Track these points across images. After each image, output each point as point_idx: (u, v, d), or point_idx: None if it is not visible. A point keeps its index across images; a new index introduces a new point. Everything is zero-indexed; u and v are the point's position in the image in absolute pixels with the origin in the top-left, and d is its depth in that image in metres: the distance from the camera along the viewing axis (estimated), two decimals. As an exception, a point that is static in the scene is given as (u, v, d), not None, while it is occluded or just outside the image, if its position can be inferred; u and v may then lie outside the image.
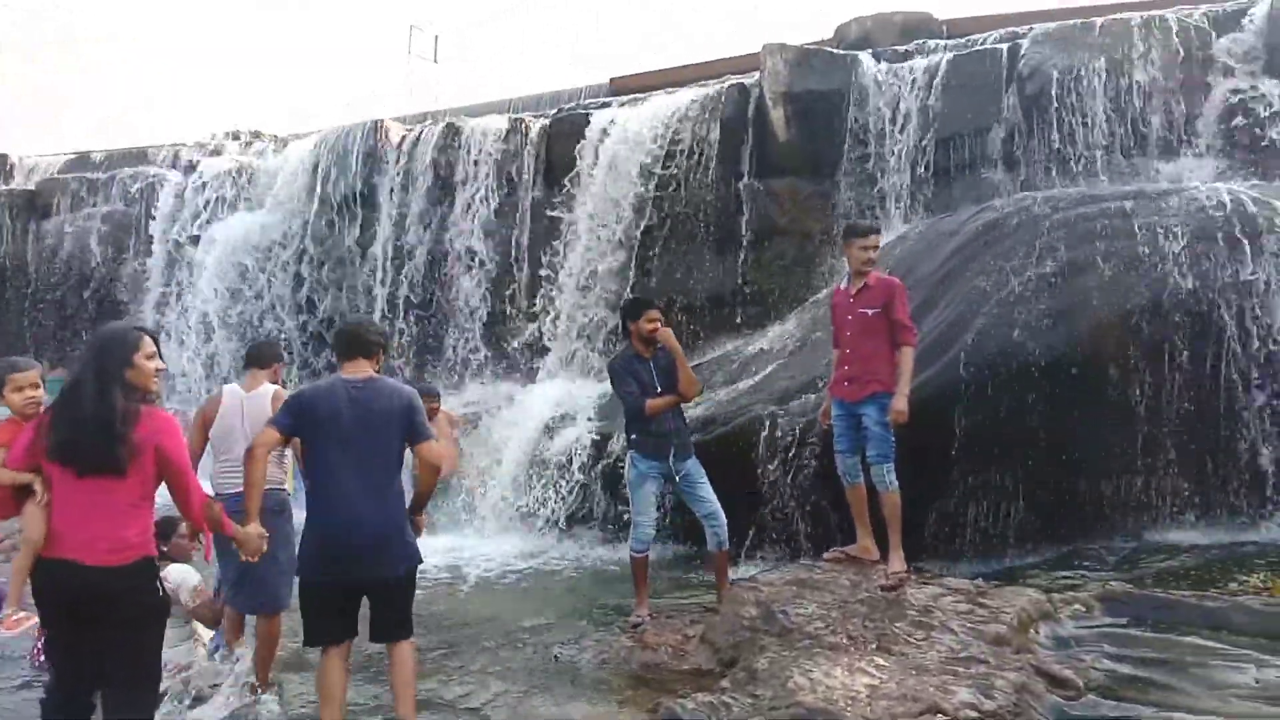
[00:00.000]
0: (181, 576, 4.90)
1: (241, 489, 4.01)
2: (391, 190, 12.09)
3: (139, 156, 15.82)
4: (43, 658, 5.08)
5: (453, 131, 11.94)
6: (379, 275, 11.92)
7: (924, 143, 9.48)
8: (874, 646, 4.37)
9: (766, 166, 10.08)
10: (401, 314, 11.71)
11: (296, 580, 4.06)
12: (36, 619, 3.30)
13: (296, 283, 12.55)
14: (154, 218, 13.55)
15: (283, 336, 12.11)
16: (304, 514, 3.98)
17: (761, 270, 9.88)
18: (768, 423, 7.02)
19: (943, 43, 10.58)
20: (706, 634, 4.98)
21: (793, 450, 6.81)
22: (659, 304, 5.93)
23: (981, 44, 9.93)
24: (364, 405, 3.91)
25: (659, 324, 5.48)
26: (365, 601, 3.97)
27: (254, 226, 12.99)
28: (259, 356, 5.23)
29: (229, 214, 13.18)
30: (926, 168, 9.47)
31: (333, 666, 3.90)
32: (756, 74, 10.38)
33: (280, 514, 4.71)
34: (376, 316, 11.80)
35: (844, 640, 4.46)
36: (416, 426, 3.98)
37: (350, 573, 3.86)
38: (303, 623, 3.99)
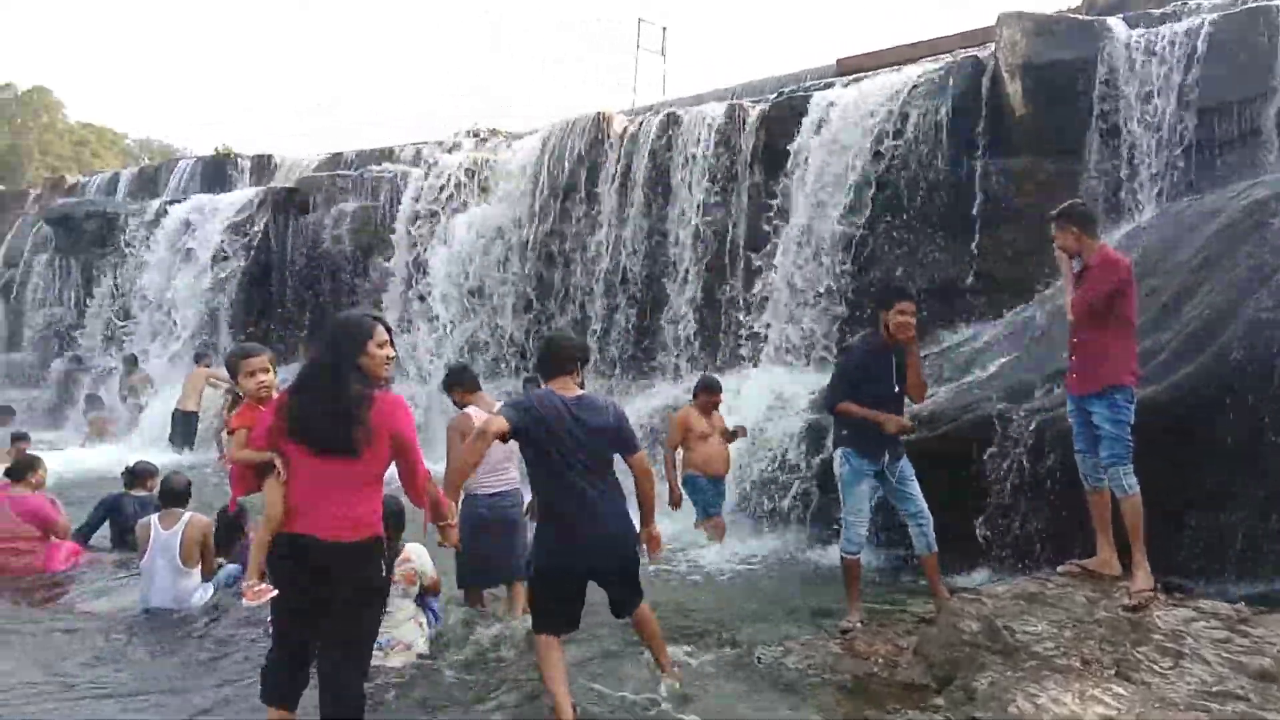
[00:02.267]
0: (421, 555, 5.11)
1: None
2: (612, 181, 12.27)
3: (385, 155, 16.87)
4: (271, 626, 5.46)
5: (672, 121, 11.95)
6: (599, 265, 12.12)
7: (1182, 115, 8.55)
8: (1112, 673, 3.94)
9: (1001, 145, 9.39)
10: (620, 303, 11.86)
11: (531, 575, 4.34)
12: (274, 592, 3.48)
13: (522, 272, 12.99)
14: (397, 212, 14.36)
15: (504, 330, 12.61)
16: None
17: (994, 256, 9.23)
18: (998, 421, 6.52)
19: (1204, 2, 9.51)
20: (921, 646, 4.67)
21: (1026, 451, 6.29)
22: (913, 295, 5.46)
23: (1250, 2, 8.82)
24: (582, 420, 4.13)
25: (909, 320, 5.15)
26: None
27: (485, 219, 13.54)
28: (471, 378, 5.94)
29: (463, 208, 13.79)
30: (1184, 143, 8.53)
31: (556, 650, 4.14)
32: (991, 46, 9.72)
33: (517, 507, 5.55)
34: (596, 306, 12.05)
35: (1077, 664, 4.04)
36: (626, 439, 4.25)
37: (587, 563, 4.15)
38: (533, 611, 4.28)
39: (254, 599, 3.51)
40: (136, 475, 7.66)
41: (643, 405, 10.37)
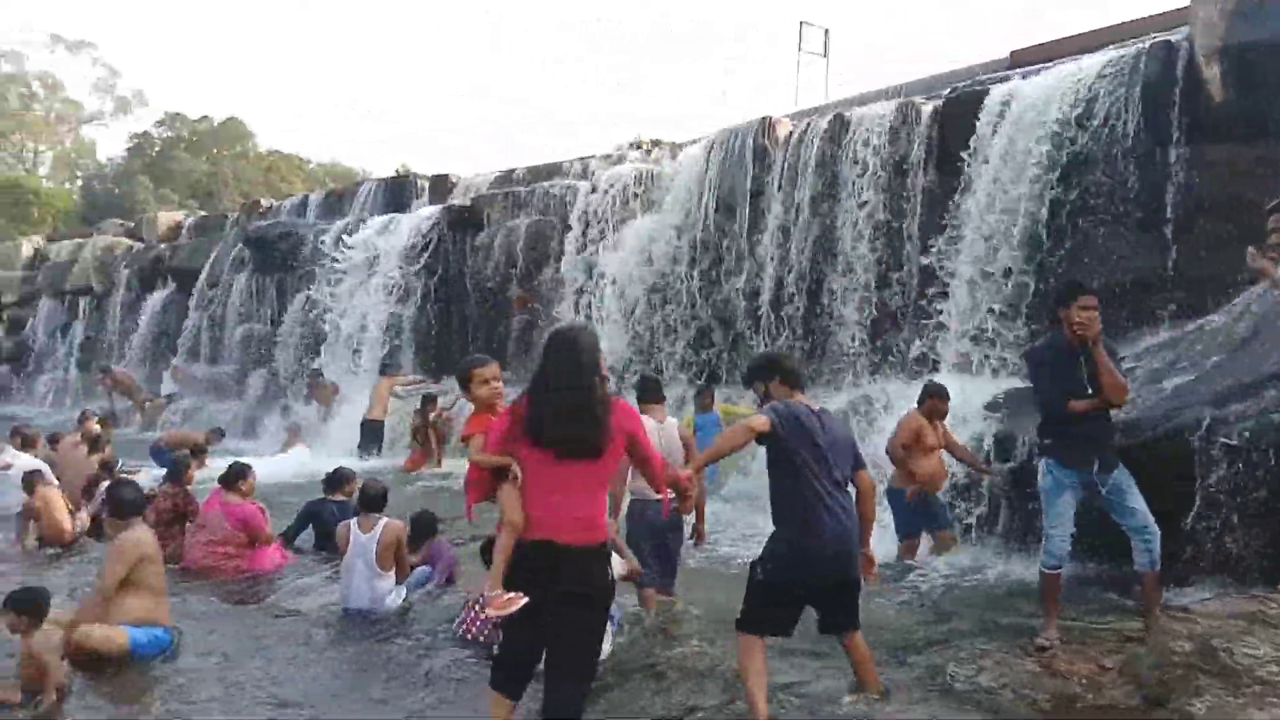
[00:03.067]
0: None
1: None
2: (779, 186, 12.18)
3: (554, 171, 17.29)
4: (471, 630, 5.65)
5: (839, 122, 11.76)
6: (767, 271, 12.05)
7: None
8: (1352, 704, 3.61)
9: (1199, 132, 8.76)
10: (788, 309, 11.75)
11: (760, 575, 4.29)
12: (524, 600, 3.44)
13: (689, 280, 13.06)
14: (568, 225, 14.71)
15: (674, 339, 12.70)
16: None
17: (1193, 251, 8.62)
18: (1206, 428, 6.08)
19: None
20: (1128, 666, 4.41)
21: (1238, 461, 5.85)
22: (1093, 290, 5.21)
23: None
24: (829, 430, 4.29)
25: (1092, 315, 4.89)
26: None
27: (652, 229, 13.70)
28: (657, 391, 6.11)
29: (631, 219, 13.99)
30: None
31: (760, 651, 4.21)
32: (1183, 30, 9.12)
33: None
34: (763, 312, 11.97)
35: (1309, 692, 3.73)
36: (857, 454, 4.41)
37: (820, 574, 4.19)
38: (747, 611, 4.29)
39: (501, 608, 3.47)
40: (336, 481, 8.10)
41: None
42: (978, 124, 10.10)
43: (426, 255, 16.58)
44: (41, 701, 4.63)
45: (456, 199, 18.40)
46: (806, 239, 11.66)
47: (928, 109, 11.04)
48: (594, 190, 14.79)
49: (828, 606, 4.31)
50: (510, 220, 15.93)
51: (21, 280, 26.61)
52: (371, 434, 14.11)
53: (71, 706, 4.71)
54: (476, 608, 5.65)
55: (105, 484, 9.15)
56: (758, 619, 4.26)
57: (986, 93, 10.40)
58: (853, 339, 10.99)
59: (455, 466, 13.39)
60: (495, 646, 3.90)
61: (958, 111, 10.56)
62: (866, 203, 11.07)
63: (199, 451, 10.19)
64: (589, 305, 13.98)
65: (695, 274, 13.00)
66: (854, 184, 11.24)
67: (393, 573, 6.31)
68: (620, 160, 15.98)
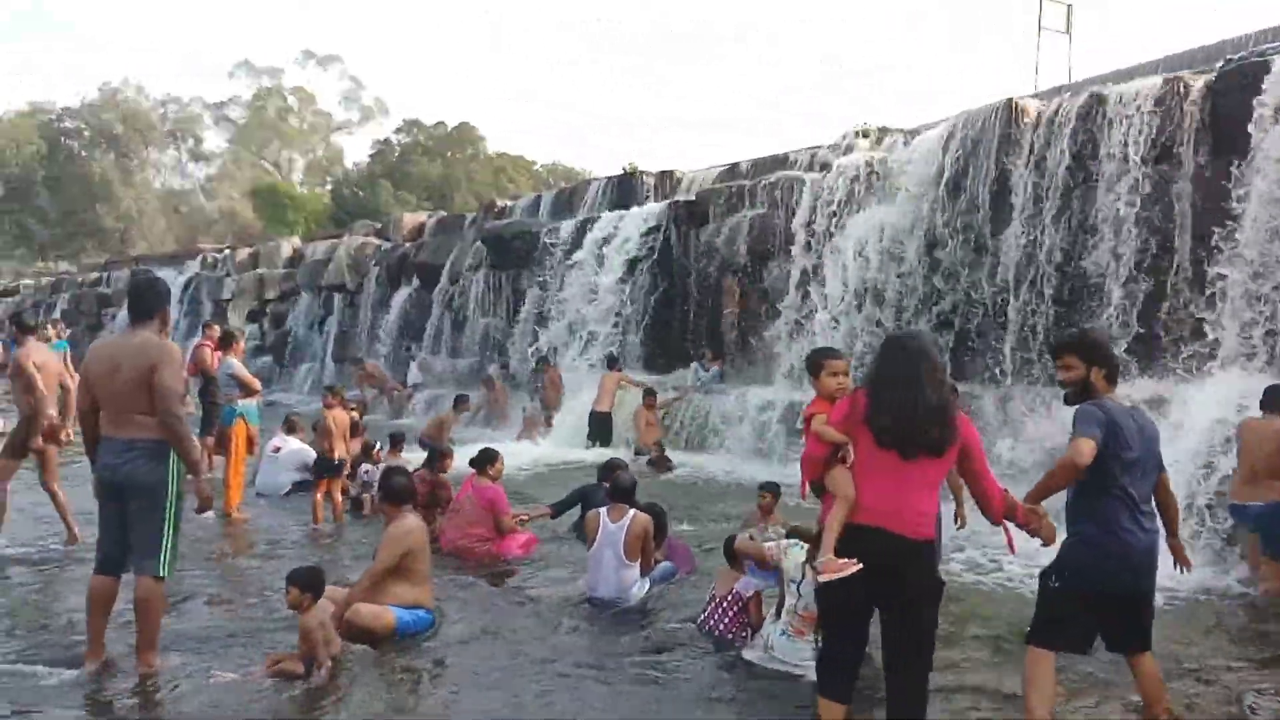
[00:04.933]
0: None
1: None
2: (1026, 172, 11.47)
3: (780, 162, 17.08)
4: (717, 626, 5.61)
5: (1094, 102, 10.93)
6: (1013, 263, 11.39)
7: None
8: None
9: None
10: (1037, 304, 11.06)
11: (1056, 583, 4.11)
12: (858, 565, 3.56)
13: (924, 272, 12.55)
14: (794, 217, 14.48)
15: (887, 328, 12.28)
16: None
17: None
18: None
19: None
20: None
21: None
22: None
23: None
24: (1144, 433, 4.11)
25: None
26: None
27: (883, 220, 13.25)
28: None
29: (861, 209, 13.60)
30: None
31: (1050, 666, 4.05)
32: None
33: None
34: (1011, 310, 11.33)
35: None
36: (1160, 458, 4.22)
37: (1118, 582, 4.02)
38: (1040, 622, 4.12)
39: (832, 572, 3.61)
40: (609, 468, 8.34)
41: (1055, 424, 9.59)
42: (1260, 99, 9.13)
43: (652, 251, 16.80)
44: (320, 673, 4.94)
45: (682, 195, 18.53)
46: (1058, 229, 10.92)
47: (1198, 84, 10.08)
48: (822, 181, 14.48)
49: (1119, 621, 4.09)
50: (735, 214, 15.86)
51: (282, 278, 29.02)
52: (599, 426, 14.43)
53: (345, 679, 4.99)
54: (724, 603, 5.62)
55: (365, 467, 9.83)
56: (1052, 630, 4.08)
57: (1270, 64, 9.39)
58: (1114, 336, 10.19)
59: (681, 458, 13.53)
60: (815, 651, 4.11)
61: (1235, 85, 9.59)
62: (1128, 188, 10.23)
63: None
64: (816, 299, 13.71)
65: (931, 267, 12.47)
66: (1114, 168, 10.42)
67: (639, 564, 6.36)
68: (849, 149, 15.57)
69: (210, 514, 6.31)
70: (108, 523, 5.05)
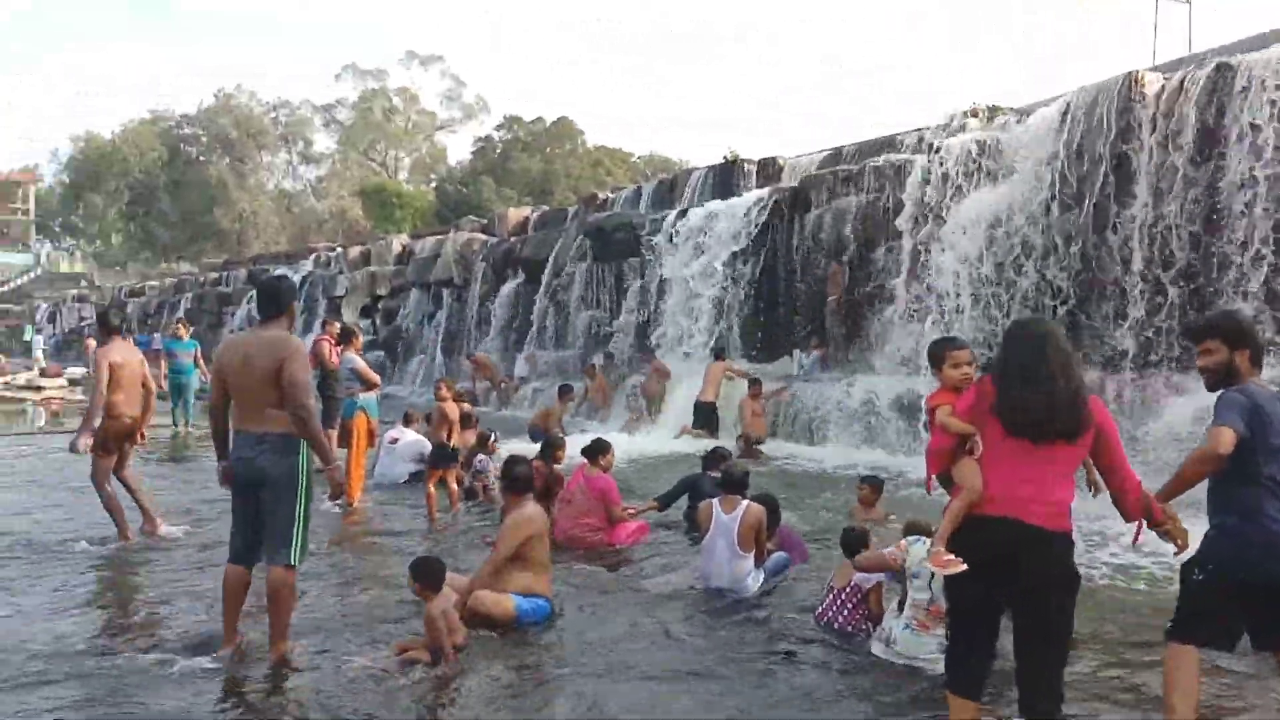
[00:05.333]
0: None
1: None
2: (1149, 147, 10.98)
3: (885, 145, 16.74)
4: (835, 616, 5.54)
5: (1222, 72, 10.40)
6: (1134, 248, 10.92)
7: None
8: None
9: None
10: (1161, 286, 10.59)
11: (1199, 575, 3.96)
12: (963, 565, 3.52)
13: (1041, 256, 12.15)
14: (901, 201, 14.17)
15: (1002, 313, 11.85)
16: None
17: None
18: None
19: None
20: None
21: None
22: None
23: None
24: None
25: None
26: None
27: (996, 202, 12.86)
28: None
29: (972, 191, 13.22)
30: None
31: (1193, 665, 3.90)
32: None
33: None
34: (1134, 291, 10.88)
35: None
36: None
37: (1268, 574, 3.81)
38: (1182, 617, 3.97)
39: (941, 566, 3.58)
40: (714, 458, 8.39)
41: (1184, 409, 9.19)
42: None
43: (754, 239, 16.67)
44: (446, 661, 5.04)
45: (785, 181, 18.32)
46: (1184, 206, 10.43)
47: (1342, 49, 9.51)
48: (931, 163, 14.12)
49: (1265, 615, 3.87)
50: (840, 199, 15.61)
51: (393, 274, 29.80)
52: (704, 415, 14.41)
53: (469, 667, 5.09)
54: (842, 595, 5.54)
55: (480, 457, 10.03)
56: (1193, 624, 3.91)
57: None
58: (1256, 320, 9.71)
59: (776, 448, 13.41)
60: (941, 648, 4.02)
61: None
62: (1264, 164, 9.71)
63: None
64: (927, 285, 13.40)
65: (1048, 248, 12.06)
66: (1246, 141, 9.90)
67: (753, 554, 6.32)
68: (960, 130, 15.15)
69: (337, 504, 6.51)
70: (240, 514, 5.24)
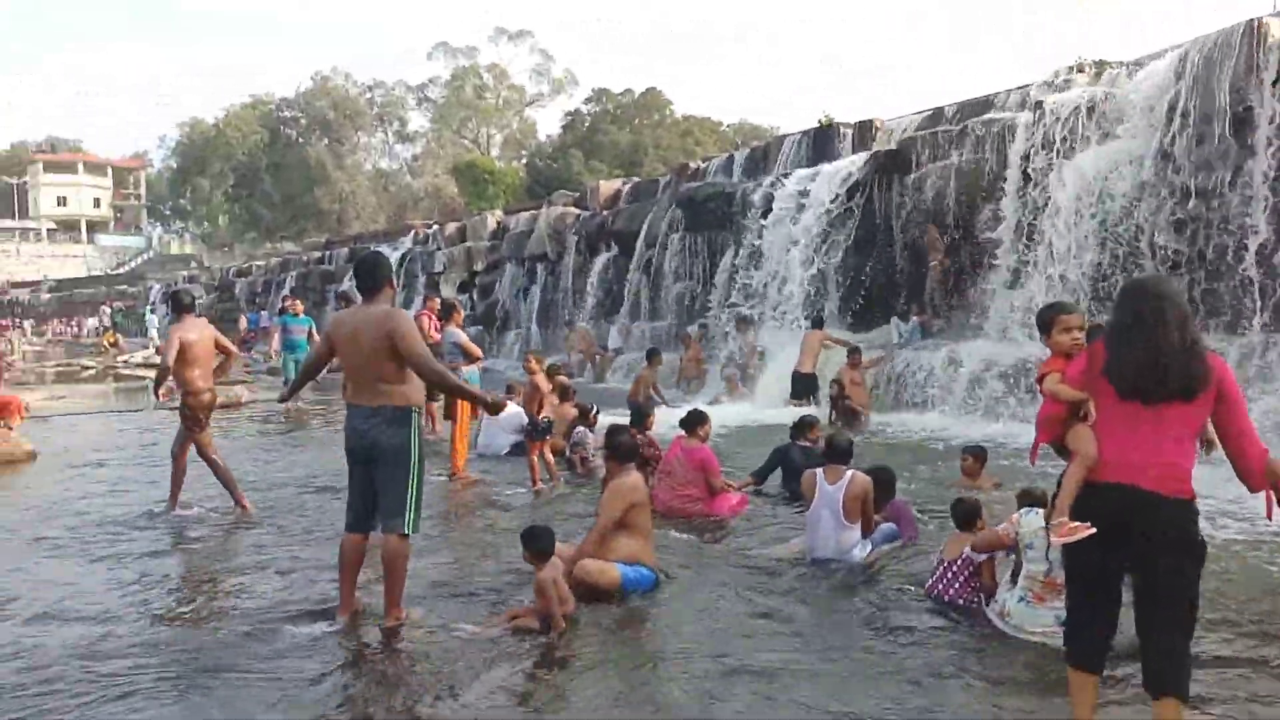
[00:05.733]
0: None
1: None
2: (1272, 98, 10.40)
3: (986, 105, 16.20)
4: (946, 589, 5.43)
5: (1360, 13, 9.76)
6: (1258, 204, 10.38)
7: None
8: None
9: None
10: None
11: None
12: (1092, 529, 3.42)
13: (1155, 218, 11.63)
14: (1005, 161, 13.72)
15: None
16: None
17: None
18: None
19: None
20: None
21: None
22: None
23: None
24: None
25: None
26: None
27: (1106, 161, 12.36)
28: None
29: (1083, 148, 12.72)
30: None
31: None
32: None
33: None
34: (1257, 251, 10.36)
35: None
36: None
37: None
38: None
39: (1065, 535, 3.47)
40: (802, 426, 8.28)
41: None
42: None
43: (852, 204, 16.35)
44: (554, 628, 5.11)
45: (881, 144, 17.91)
46: (1313, 158, 9.86)
47: None
48: (1036, 120, 13.62)
49: None
50: (940, 161, 15.19)
51: (488, 249, 30.19)
52: (803, 385, 14.26)
53: (577, 636, 5.14)
54: (953, 568, 5.43)
55: (579, 429, 10.11)
56: None
57: None
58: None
59: (876, 418, 13.18)
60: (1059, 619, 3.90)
61: None
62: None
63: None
64: (1032, 250, 12.97)
65: (1161, 207, 11.55)
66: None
67: (859, 525, 6.23)
68: (1065, 86, 14.56)
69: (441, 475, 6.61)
70: (356, 484, 5.38)
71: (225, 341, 8.50)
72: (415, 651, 4.95)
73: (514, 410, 11.06)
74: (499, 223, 31.20)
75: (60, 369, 30.01)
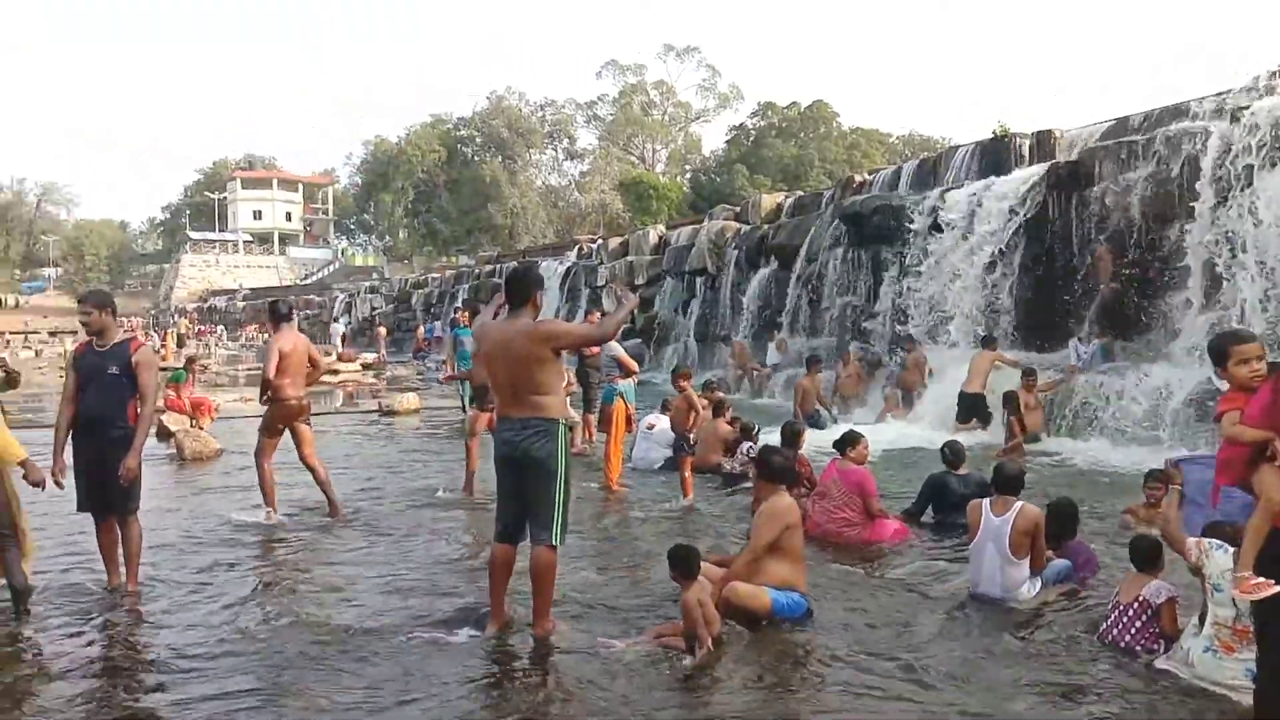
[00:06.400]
0: None
1: None
2: None
3: (1178, 113, 15.17)
4: (1122, 634, 5.02)
5: None
6: None
7: None
8: None
9: None
10: None
11: None
12: (1277, 587, 3.19)
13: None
14: (1199, 174, 12.78)
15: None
16: None
17: None
18: None
19: None
20: None
21: None
22: None
23: None
24: None
25: None
26: None
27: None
28: None
29: (1285, 162, 11.72)
30: None
31: None
32: None
33: None
34: None
35: None
36: None
37: None
38: None
39: (1249, 592, 3.26)
40: (956, 454, 7.90)
41: None
42: None
43: (1026, 220, 15.59)
44: (700, 650, 5.01)
45: (1061, 156, 17.03)
46: None
47: None
48: (1233, 130, 12.62)
49: None
50: (1124, 174, 14.29)
51: (649, 264, 30.46)
52: (970, 407, 13.67)
53: (723, 658, 5.03)
54: (1129, 611, 5.02)
55: (745, 445, 10.03)
56: None
57: None
58: None
59: (1060, 445, 12.45)
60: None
61: None
62: None
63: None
64: (1225, 267, 12.02)
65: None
66: None
67: (1027, 561, 5.86)
68: (1269, 91, 13.46)
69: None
70: (506, 495, 5.45)
71: (315, 354, 8.80)
72: (560, 666, 4.96)
73: (669, 425, 11.08)
74: (661, 237, 31.43)
75: (251, 372, 32.09)
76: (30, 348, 47.97)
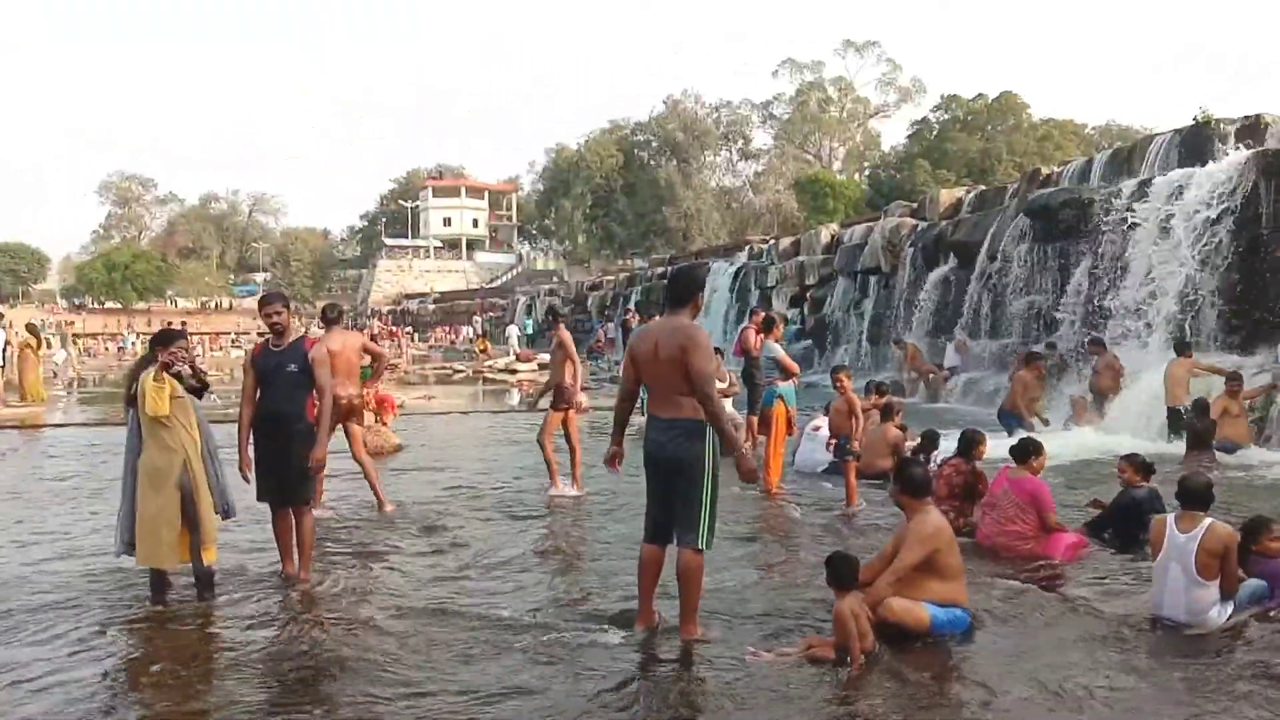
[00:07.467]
0: None
1: None
2: None
3: None
4: None
5: None
6: None
7: None
8: None
9: None
10: None
11: None
12: None
13: None
14: None
15: None
16: None
17: None
18: None
19: None
20: None
21: None
22: None
23: None
24: None
25: None
26: None
27: None
28: None
29: None
30: None
31: None
32: None
33: None
34: None
35: None
36: None
37: None
38: None
39: None
40: (1145, 467, 7.38)
41: None
42: None
43: (1231, 211, 14.37)
44: (852, 662, 4.84)
45: (1272, 143, 15.61)
46: None
47: None
48: None
49: None
50: (1351, 160, 12.95)
51: (821, 264, 29.89)
52: (1179, 421, 12.59)
53: (877, 671, 4.84)
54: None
55: (931, 454, 9.67)
56: None
57: None
58: None
59: (1259, 456, 11.40)
60: None
61: None
62: None
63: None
64: None
65: None
66: None
67: (1216, 583, 5.36)
68: None
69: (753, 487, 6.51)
70: (654, 496, 5.42)
71: (374, 348, 9.29)
72: (706, 672, 4.88)
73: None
74: (833, 236, 30.81)
75: (437, 371, 33.62)
76: (239, 347, 52.14)
